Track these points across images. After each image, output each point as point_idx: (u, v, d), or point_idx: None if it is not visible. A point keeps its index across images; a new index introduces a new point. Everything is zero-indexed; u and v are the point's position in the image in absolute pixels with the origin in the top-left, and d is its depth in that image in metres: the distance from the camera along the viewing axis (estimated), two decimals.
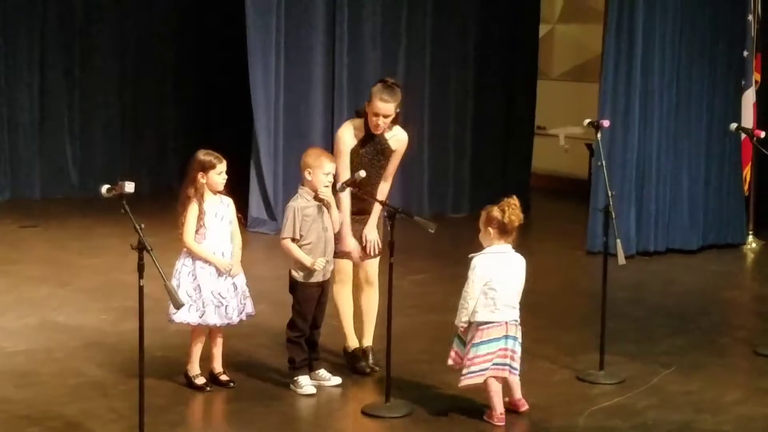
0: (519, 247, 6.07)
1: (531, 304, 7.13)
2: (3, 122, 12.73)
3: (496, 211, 5.94)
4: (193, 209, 6.21)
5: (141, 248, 5.20)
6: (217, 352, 6.42)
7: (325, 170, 6.28)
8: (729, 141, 10.83)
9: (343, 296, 6.79)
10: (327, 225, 6.38)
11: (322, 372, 6.50)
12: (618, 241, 6.69)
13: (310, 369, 6.46)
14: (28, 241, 10.55)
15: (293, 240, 6.29)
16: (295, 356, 6.39)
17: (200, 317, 6.20)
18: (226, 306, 6.24)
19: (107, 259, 9.53)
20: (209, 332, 6.38)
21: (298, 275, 6.35)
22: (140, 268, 5.23)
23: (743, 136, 9.94)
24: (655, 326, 8.07)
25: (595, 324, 6.86)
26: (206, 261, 6.22)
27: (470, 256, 6.00)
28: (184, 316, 6.14)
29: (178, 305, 5.23)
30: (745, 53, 10.90)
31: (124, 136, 13.57)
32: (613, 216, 6.67)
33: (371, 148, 6.66)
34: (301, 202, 6.33)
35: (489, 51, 12.89)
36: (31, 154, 12.93)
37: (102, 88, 13.34)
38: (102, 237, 10.29)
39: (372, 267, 6.83)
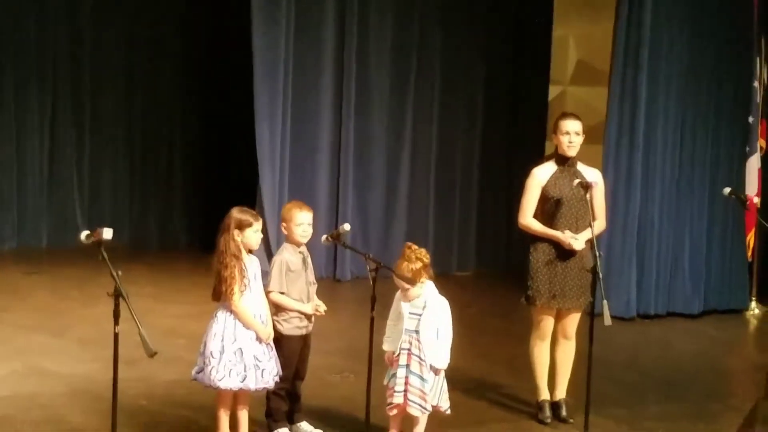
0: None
1: (524, 365, 7.13)
2: (12, 174, 12.89)
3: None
4: (236, 269, 5.91)
5: (117, 295, 5.24)
6: (244, 418, 6.13)
7: (296, 221, 6.26)
8: (732, 206, 10.70)
9: (541, 350, 6.98)
10: (311, 279, 6.37)
11: (304, 425, 6.45)
12: (605, 302, 6.58)
13: (290, 422, 6.42)
14: (29, 289, 10.59)
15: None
16: (276, 408, 6.34)
17: (241, 382, 5.92)
18: (263, 370, 5.98)
19: (105, 309, 9.46)
20: (235, 397, 6.07)
21: (283, 328, 6.27)
22: (116, 315, 5.29)
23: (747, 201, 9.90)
24: (647, 391, 7.99)
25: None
26: (248, 326, 5.99)
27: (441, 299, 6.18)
28: (228, 382, 5.90)
29: (151, 354, 5.18)
30: (751, 119, 10.89)
31: (132, 190, 13.72)
32: (600, 276, 6.63)
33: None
34: (287, 255, 6.29)
35: (496, 113, 13.04)
36: (39, 204, 13.07)
37: (111, 143, 13.55)
38: (103, 286, 10.20)
39: (571, 322, 6.99)
